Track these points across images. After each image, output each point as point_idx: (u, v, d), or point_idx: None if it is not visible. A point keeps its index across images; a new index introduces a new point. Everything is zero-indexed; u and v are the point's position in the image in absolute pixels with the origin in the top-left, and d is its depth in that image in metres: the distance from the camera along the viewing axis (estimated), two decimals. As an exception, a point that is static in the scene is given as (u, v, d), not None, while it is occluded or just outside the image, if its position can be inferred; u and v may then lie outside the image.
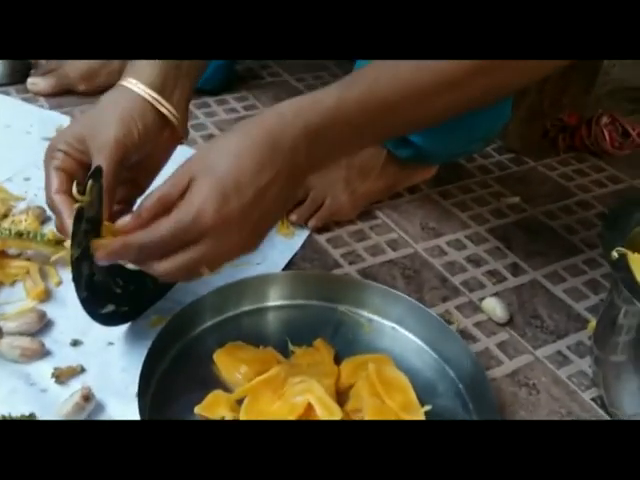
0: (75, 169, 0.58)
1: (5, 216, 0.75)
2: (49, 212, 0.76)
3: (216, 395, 0.58)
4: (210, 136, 0.98)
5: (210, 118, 1.04)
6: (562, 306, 0.77)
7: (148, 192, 0.55)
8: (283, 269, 0.75)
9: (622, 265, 0.58)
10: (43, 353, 0.61)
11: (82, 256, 0.54)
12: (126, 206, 0.62)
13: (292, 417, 0.56)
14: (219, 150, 0.53)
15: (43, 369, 0.59)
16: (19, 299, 0.66)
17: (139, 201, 0.58)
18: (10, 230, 0.68)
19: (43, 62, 1.07)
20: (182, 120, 0.64)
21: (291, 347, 0.64)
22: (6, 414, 0.54)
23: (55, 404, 0.56)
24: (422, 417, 0.58)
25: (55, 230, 0.69)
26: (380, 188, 0.88)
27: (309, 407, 0.56)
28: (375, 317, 0.69)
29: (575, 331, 0.74)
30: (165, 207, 0.52)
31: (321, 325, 0.67)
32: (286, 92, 1.12)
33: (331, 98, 0.53)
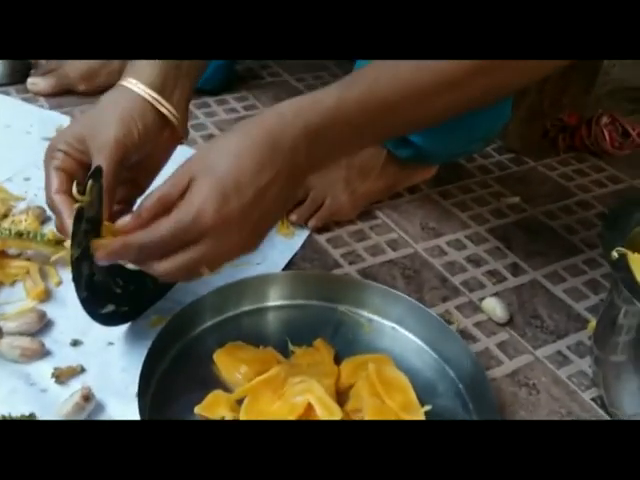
0: (75, 169, 0.59)
1: (5, 216, 0.75)
2: (49, 212, 0.76)
3: (216, 395, 0.58)
4: (210, 136, 0.98)
5: (210, 118, 1.04)
6: (562, 306, 0.77)
7: (148, 192, 0.55)
8: (283, 269, 0.75)
9: (622, 265, 0.58)
10: (43, 353, 0.61)
11: (82, 256, 0.54)
12: (126, 206, 0.62)
13: (292, 417, 0.56)
14: (219, 150, 0.53)
15: (43, 369, 0.59)
16: (19, 299, 0.66)
17: (139, 201, 0.58)
18: (10, 230, 0.68)
19: (43, 62, 1.07)
20: (182, 120, 0.64)
21: (291, 347, 0.64)
22: (6, 414, 0.54)
23: (55, 404, 0.56)
24: (422, 417, 0.58)
25: (55, 230, 0.70)
26: (380, 188, 0.88)
27: (309, 407, 0.56)
28: (375, 317, 0.69)
29: (575, 331, 0.74)
30: (165, 207, 0.52)
31: (321, 325, 0.67)
32: (286, 92, 1.12)
33: (331, 98, 0.53)
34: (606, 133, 1.07)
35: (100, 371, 0.61)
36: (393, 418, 0.57)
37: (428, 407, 0.58)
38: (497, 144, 1.07)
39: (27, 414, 0.55)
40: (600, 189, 1.01)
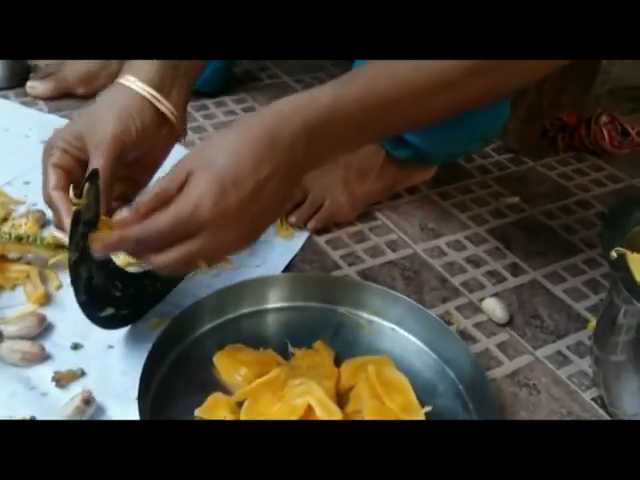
0: (73, 166, 0.59)
1: (5, 220, 0.75)
2: (49, 215, 0.77)
3: (216, 398, 0.58)
4: (209, 138, 0.98)
5: (209, 120, 1.04)
6: (562, 306, 0.77)
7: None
8: (283, 271, 0.75)
9: (621, 265, 0.58)
10: (43, 357, 0.61)
11: (80, 259, 0.54)
12: (124, 204, 0.62)
13: (292, 419, 0.56)
14: (217, 146, 0.53)
15: (43, 373, 0.60)
16: (19, 303, 0.66)
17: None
18: (10, 234, 0.68)
19: (42, 66, 1.07)
20: (180, 118, 0.64)
21: (291, 349, 0.64)
22: (6, 418, 0.54)
23: (56, 408, 0.56)
24: (422, 418, 0.58)
25: (55, 233, 0.70)
26: (379, 189, 0.88)
27: (309, 409, 0.56)
28: (375, 318, 0.69)
29: (575, 331, 0.74)
30: (163, 202, 0.51)
31: (321, 327, 0.67)
32: (285, 94, 1.09)
33: (328, 95, 0.53)
34: (605, 132, 1.07)
35: (100, 374, 0.61)
36: (393, 419, 0.57)
37: (428, 408, 0.58)
38: (496, 144, 1.07)
39: (28, 418, 0.55)
40: (599, 188, 1.01)
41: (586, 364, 0.69)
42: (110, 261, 0.60)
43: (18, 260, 0.70)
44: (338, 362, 0.63)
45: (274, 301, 0.69)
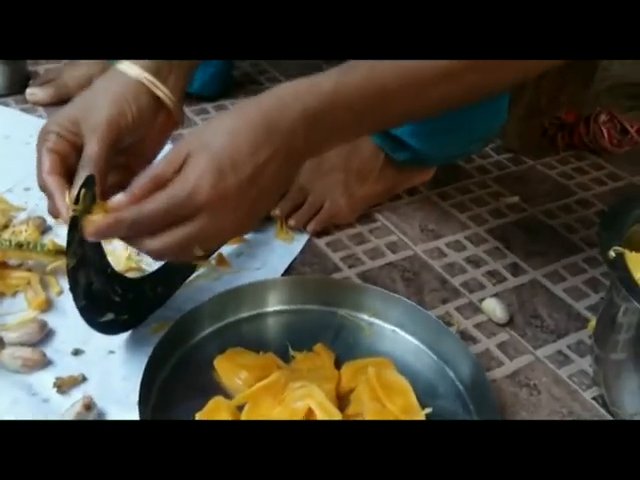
0: (68, 151, 0.58)
1: (6, 227, 0.76)
2: (49, 222, 0.77)
3: (217, 402, 0.58)
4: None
5: (208, 124, 1.04)
6: (562, 305, 0.77)
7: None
8: (283, 274, 0.75)
9: (619, 264, 0.58)
10: (45, 363, 0.61)
11: (78, 265, 0.54)
12: (119, 191, 0.62)
13: (292, 422, 0.56)
14: (215, 128, 0.52)
15: (45, 379, 0.60)
16: (20, 309, 0.67)
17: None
18: (10, 241, 0.68)
19: (41, 72, 1.07)
20: (177, 104, 0.63)
21: (291, 352, 0.64)
22: (8, 425, 0.54)
23: (57, 414, 0.57)
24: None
25: (55, 239, 0.70)
26: (378, 191, 0.88)
27: (309, 412, 0.56)
28: (375, 320, 0.69)
29: (575, 330, 0.74)
30: (159, 184, 0.50)
31: (321, 329, 0.67)
32: None
33: (330, 82, 0.52)
34: (605, 131, 1.07)
35: (101, 380, 0.61)
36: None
37: (428, 410, 0.58)
38: (495, 144, 1.07)
39: (29, 424, 0.55)
40: (600, 187, 1.01)
41: (587, 363, 0.69)
42: (109, 266, 0.60)
43: (19, 267, 0.70)
44: (338, 364, 0.63)
45: (274, 304, 0.69)
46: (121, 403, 0.59)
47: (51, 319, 0.65)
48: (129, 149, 0.61)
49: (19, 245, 0.68)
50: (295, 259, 0.78)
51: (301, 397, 0.57)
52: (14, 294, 0.68)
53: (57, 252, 0.69)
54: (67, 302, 0.67)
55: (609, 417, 0.64)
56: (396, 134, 0.82)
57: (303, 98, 0.52)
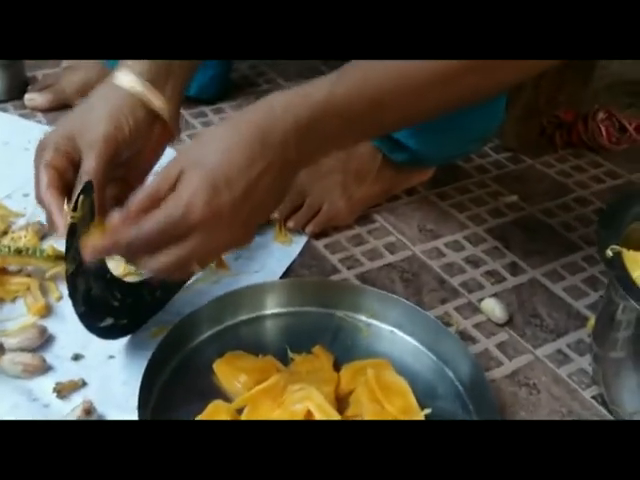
0: (66, 166, 0.58)
1: (5, 233, 0.76)
2: (48, 227, 0.77)
3: (216, 405, 0.58)
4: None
5: (207, 127, 1.04)
6: (561, 304, 0.77)
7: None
8: (282, 277, 0.75)
9: (617, 263, 0.58)
10: (45, 368, 0.61)
11: (77, 271, 0.55)
12: (117, 205, 0.62)
13: (292, 425, 0.56)
14: (208, 145, 0.52)
15: (45, 384, 0.60)
16: (20, 315, 0.67)
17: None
18: (9, 247, 0.69)
19: (40, 77, 1.08)
20: (173, 115, 0.64)
21: (290, 355, 0.64)
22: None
23: (57, 419, 0.57)
24: (422, 421, 0.58)
25: (54, 245, 0.70)
26: (377, 192, 0.88)
27: (309, 414, 0.56)
28: (373, 321, 0.69)
29: (575, 329, 0.74)
30: (154, 202, 0.50)
31: (320, 331, 0.67)
32: None
33: (321, 92, 0.52)
34: (603, 129, 1.06)
35: (101, 384, 0.61)
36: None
37: (428, 410, 0.59)
38: (494, 143, 1.07)
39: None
40: (598, 185, 1.01)
41: (586, 362, 0.69)
42: (107, 271, 0.61)
43: (18, 273, 0.70)
44: (337, 366, 0.63)
45: (272, 307, 0.69)
46: (121, 407, 0.59)
47: (51, 324, 0.66)
48: (126, 162, 0.62)
49: (18, 251, 0.68)
50: (294, 261, 0.78)
51: (300, 400, 0.57)
52: (14, 300, 0.69)
53: (56, 258, 0.69)
54: (66, 307, 0.67)
55: (609, 416, 0.64)
56: (394, 135, 0.82)
57: (294, 109, 0.52)
